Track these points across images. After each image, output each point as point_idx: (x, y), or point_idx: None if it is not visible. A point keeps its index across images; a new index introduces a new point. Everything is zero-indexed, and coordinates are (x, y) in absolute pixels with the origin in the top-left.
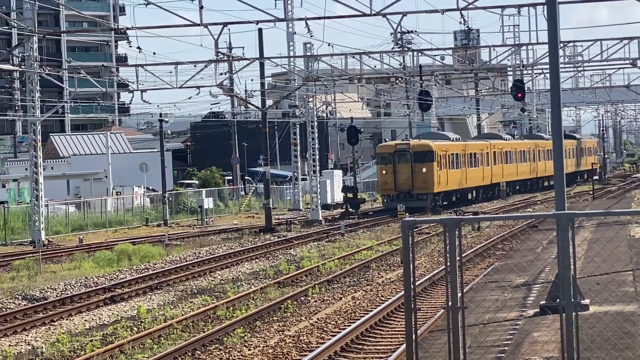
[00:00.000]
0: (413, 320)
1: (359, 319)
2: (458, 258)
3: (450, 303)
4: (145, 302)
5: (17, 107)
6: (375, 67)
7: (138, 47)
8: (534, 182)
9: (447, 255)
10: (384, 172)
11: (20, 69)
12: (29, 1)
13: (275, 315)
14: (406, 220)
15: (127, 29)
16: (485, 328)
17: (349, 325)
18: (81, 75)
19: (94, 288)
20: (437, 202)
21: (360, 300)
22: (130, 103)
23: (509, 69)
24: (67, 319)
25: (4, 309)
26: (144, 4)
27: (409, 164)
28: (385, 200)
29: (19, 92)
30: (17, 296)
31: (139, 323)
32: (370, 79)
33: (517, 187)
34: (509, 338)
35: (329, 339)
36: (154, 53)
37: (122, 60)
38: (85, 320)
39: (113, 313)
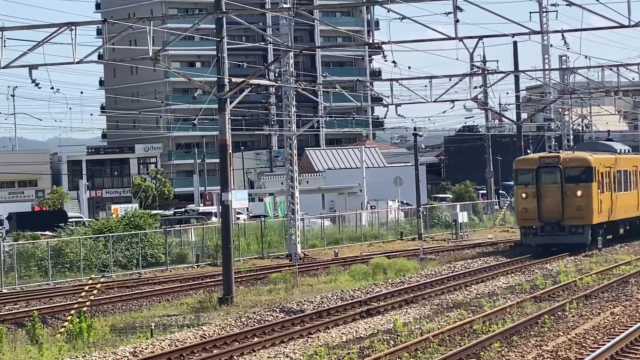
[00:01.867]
0: None
1: (618, 335)
2: None
3: None
4: (402, 316)
5: (273, 122)
6: (633, 79)
7: (393, 62)
8: None
9: None
10: (523, 195)
11: (276, 84)
12: (286, 17)
13: (532, 330)
14: None
15: (382, 43)
16: None
17: (609, 341)
18: (336, 89)
19: (350, 301)
20: (599, 237)
21: (619, 315)
22: (384, 117)
23: None
24: (324, 332)
25: (262, 321)
26: (399, 18)
27: (557, 184)
28: (525, 234)
29: (274, 107)
30: (274, 309)
31: (395, 336)
32: (628, 91)
33: None
34: None
35: (588, 355)
36: (409, 67)
37: (376, 74)
38: (342, 333)
39: (369, 326)
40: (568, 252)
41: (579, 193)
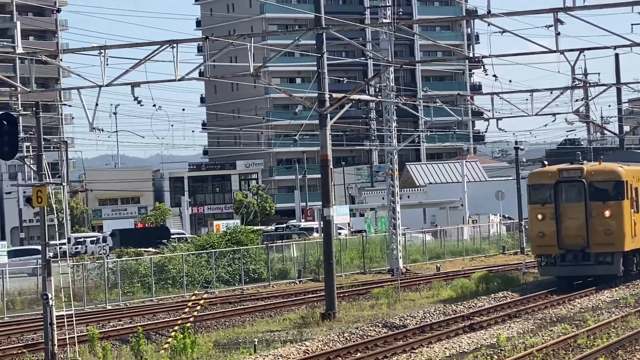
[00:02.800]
0: None
1: None
2: None
3: None
4: (505, 330)
5: (373, 137)
6: None
7: (494, 75)
8: None
9: None
10: (539, 216)
11: (377, 100)
12: (385, 32)
13: (638, 344)
14: None
15: (483, 57)
16: None
17: None
18: (436, 104)
19: (452, 316)
20: (633, 265)
21: None
22: (485, 131)
23: None
24: (427, 347)
25: (365, 337)
26: (500, 32)
27: (581, 202)
28: (542, 262)
29: (375, 122)
30: (377, 324)
31: (499, 351)
32: None
33: None
34: None
35: None
36: (510, 81)
37: (477, 88)
38: (445, 348)
39: (472, 341)
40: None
41: (607, 213)
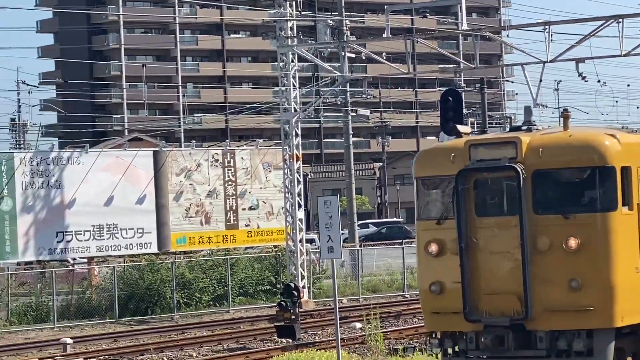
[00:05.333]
0: None
1: None
2: None
3: None
4: None
5: None
6: None
7: None
8: None
9: None
10: (431, 247)
11: None
12: None
13: None
14: None
15: None
16: None
17: None
18: None
19: None
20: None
21: None
22: None
23: None
24: None
25: None
26: None
27: (515, 216)
28: (444, 346)
29: None
30: None
31: None
32: None
33: None
34: None
35: None
36: None
37: None
38: None
39: None
40: None
41: (571, 243)
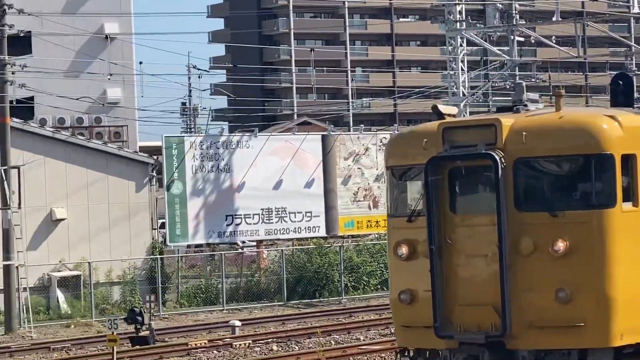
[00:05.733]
0: None
1: None
2: None
3: None
4: None
5: None
6: None
7: None
8: None
9: None
10: (401, 249)
11: None
12: None
13: None
14: None
15: None
16: None
17: None
18: None
19: None
20: None
21: None
22: None
23: None
24: None
25: None
26: None
27: (493, 215)
28: (407, 358)
29: None
30: None
31: None
32: None
33: None
34: None
35: None
36: None
37: None
38: None
39: None
40: None
41: (559, 245)
